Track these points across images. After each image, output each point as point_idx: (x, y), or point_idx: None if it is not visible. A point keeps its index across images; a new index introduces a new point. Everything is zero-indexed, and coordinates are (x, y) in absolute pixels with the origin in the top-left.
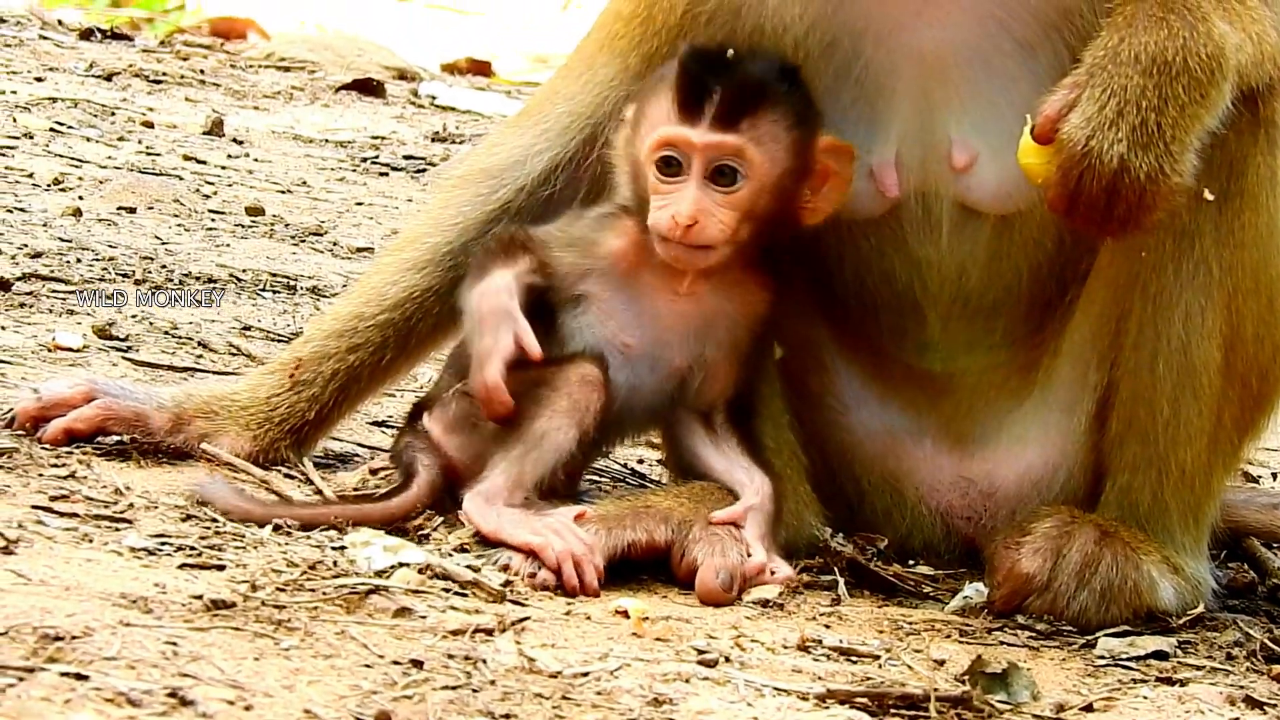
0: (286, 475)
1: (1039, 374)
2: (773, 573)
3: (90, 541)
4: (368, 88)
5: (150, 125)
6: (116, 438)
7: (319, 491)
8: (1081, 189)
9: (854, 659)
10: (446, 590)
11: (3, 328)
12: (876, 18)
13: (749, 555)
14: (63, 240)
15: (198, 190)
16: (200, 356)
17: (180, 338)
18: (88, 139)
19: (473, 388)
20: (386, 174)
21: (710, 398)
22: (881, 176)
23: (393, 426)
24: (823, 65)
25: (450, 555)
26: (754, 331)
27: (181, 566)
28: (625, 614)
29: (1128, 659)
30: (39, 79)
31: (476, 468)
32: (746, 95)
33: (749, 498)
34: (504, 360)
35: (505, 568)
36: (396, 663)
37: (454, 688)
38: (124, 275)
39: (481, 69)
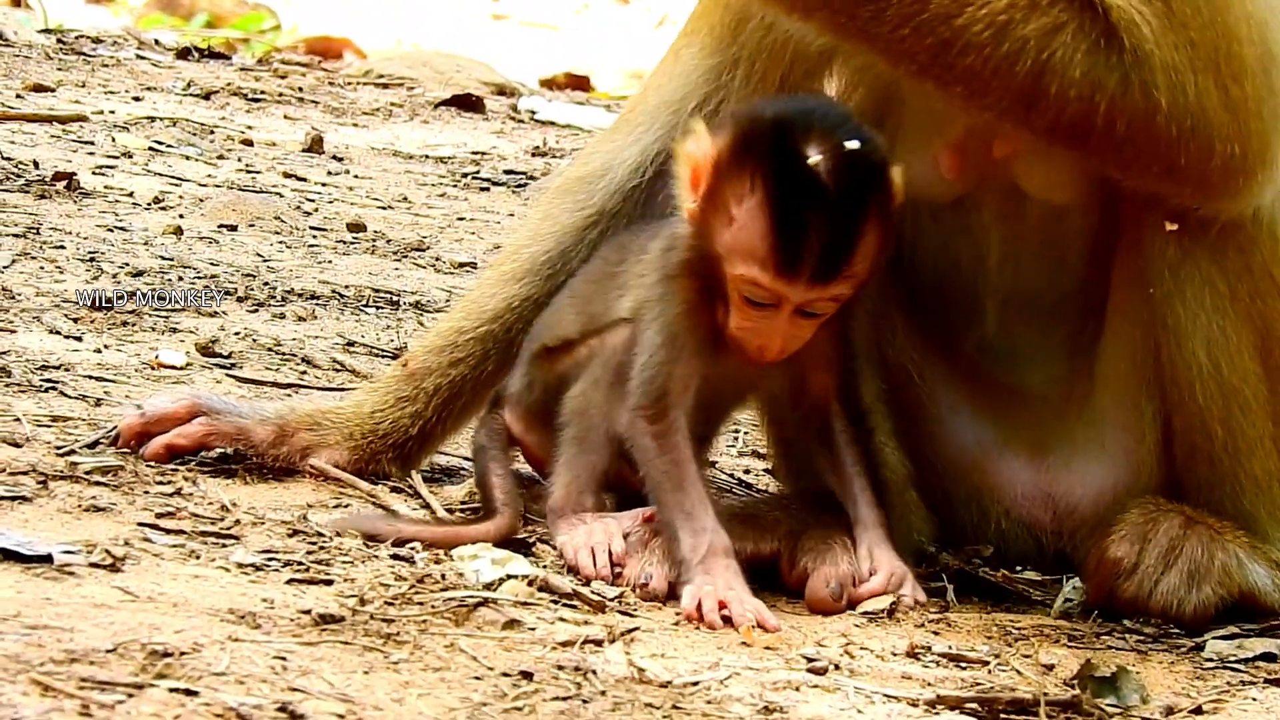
0: (394, 489)
1: (1100, 396)
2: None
3: (197, 558)
4: (466, 103)
5: (249, 143)
6: (221, 452)
7: (427, 505)
8: None
9: (963, 665)
10: (555, 602)
11: (106, 346)
12: None
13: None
14: (164, 259)
15: (298, 207)
16: (304, 373)
17: (284, 354)
18: (187, 157)
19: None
20: (487, 189)
21: (810, 400)
22: (945, 162)
23: None
24: None
25: (549, 567)
26: (840, 338)
27: (289, 582)
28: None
29: (1236, 661)
30: (137, 98)
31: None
32: (848, 239)
33: (867, 537)
34: None
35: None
36: (506, 674)
37: (564, 699)
38: (226, 293)
39: (580, 84)
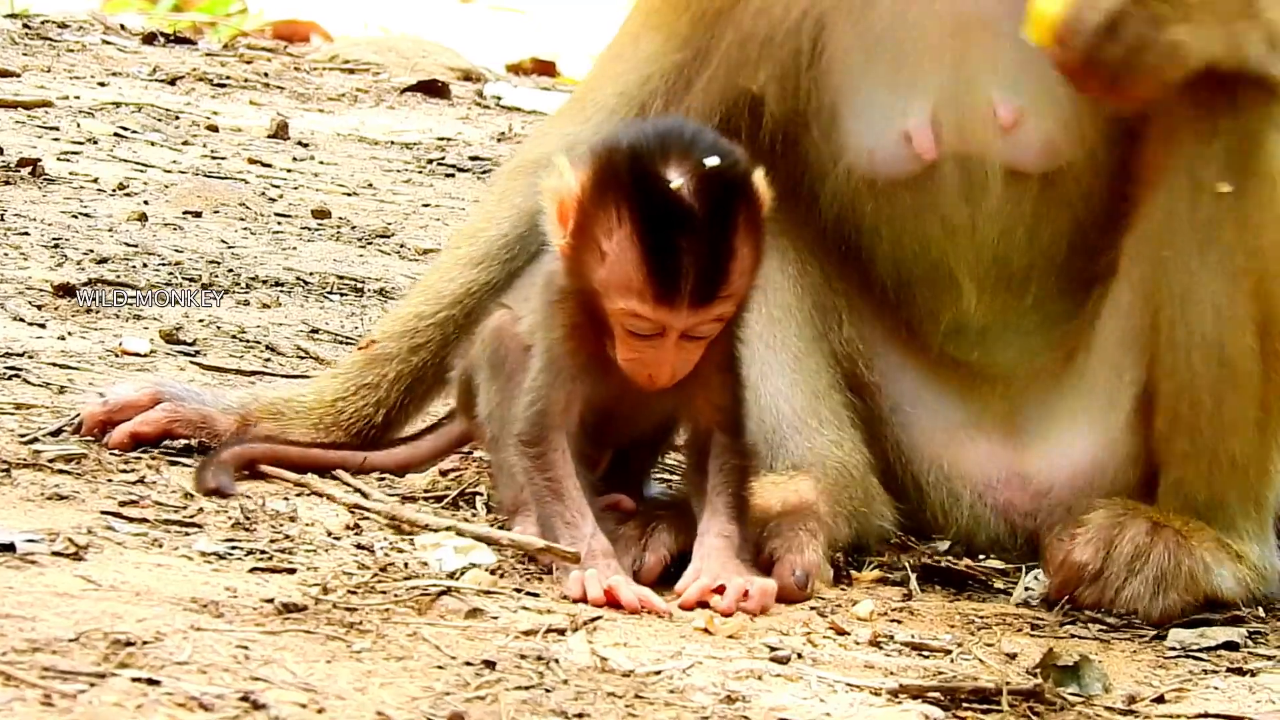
0: (349, 479)
1: (1078, 369)
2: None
3: (160, 546)
4: (432, 89)
5: (215, 129)
6: (184, 441)
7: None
8: (1086, 17)
9: (926, 654)
10: (518, 591)
11: (70, 334)
12: None
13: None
14: (128, 245)
15: (263, 193)
16: (268, 360)
17: (248, 341)
18: (152, 143)
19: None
20: (453, 175)
21: (704, 418)
22: (918, 139)
23: None
24: (851, 27)
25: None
26: (731, 338)
27: (252, 570)
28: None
29: (1198, 650)
30: (102, 84)
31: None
32: (721, 260)
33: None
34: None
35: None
36: (469, 664)
37: (527, 688)
38: (190, 279)
39: (546, 69)
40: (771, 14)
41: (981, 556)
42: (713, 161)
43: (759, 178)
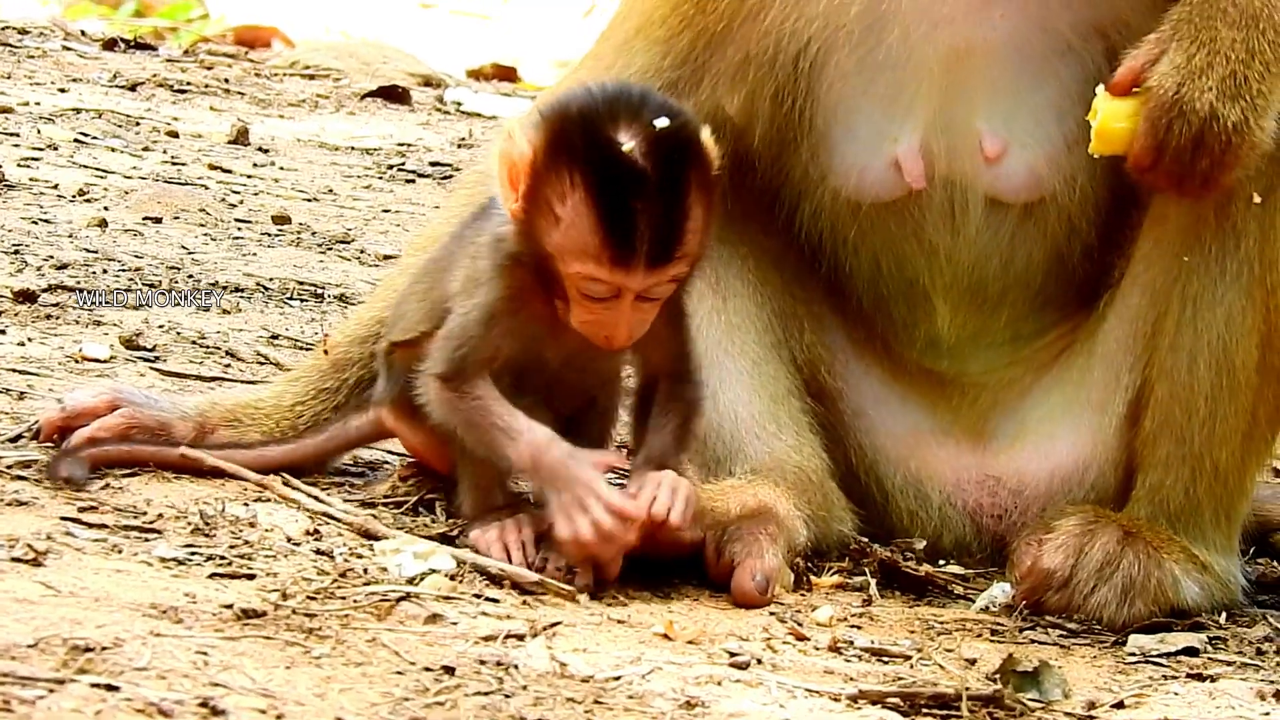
0: (308, 485)
1: (1066, 373)
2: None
3: (119, 552)
4: (393, 95)
5: (175, 135)
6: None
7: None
8: (1170, 138)
9: (885, 659)
10: (478, 596)
11: (30, 339)
12: (911, 8)
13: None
14: (89, 251)
15: (224, 199)
16: (228, 366)
17: (208, 347)
18: (112, 149)
19: (585, 537)
20: (413, 181)
21: (652, 369)
22: (907, 166)
23: None
24: (851, 53)
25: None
26: (675, 306)
27: (211, 576)
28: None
29: (1158, 656)
30: (63, 90)
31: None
32: (674, 220)
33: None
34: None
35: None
36: (428, 669)
37: (486, 693)
38: (150, 285)
39: (507, 74)
40: (776, 37)
41: (942, 562)
42: (662, 123)
43: (707, 137)
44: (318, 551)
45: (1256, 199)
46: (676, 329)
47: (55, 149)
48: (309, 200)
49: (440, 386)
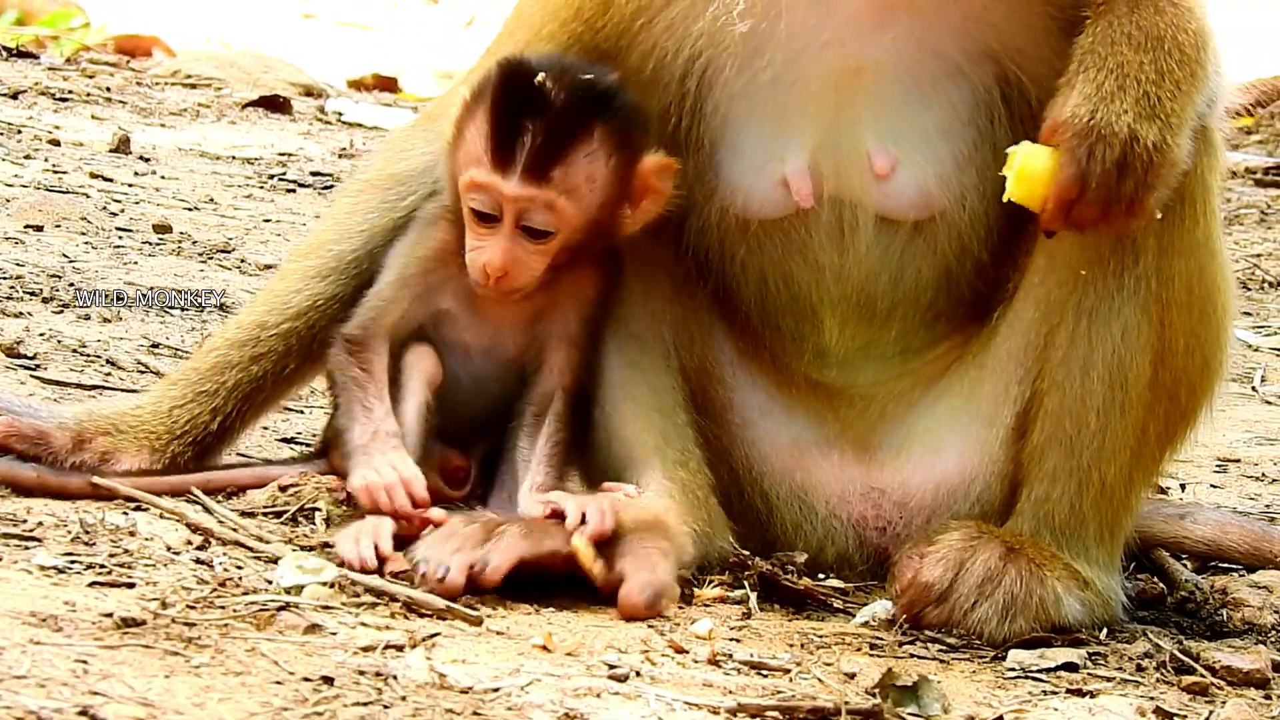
0: (191, 501)
1: (955, 385)
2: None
3: None
4: (274, 104)
5: (56, 143)
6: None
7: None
8: (1093, 165)
9: (764, 673)
10: (357, 607)
11: None
12: (800, 29)
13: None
14: None
15: (105, 208)
16: (109, 374)
17: (88, 355)
18: None
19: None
20: (294, 190)
21: (549, 388)
22: (795, 184)
23: (302, 443)
24: (738, 73)
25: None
26: (586, 318)
27: (91, 584)
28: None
29: (1038, 671)
30: None
31: None
32: (560, 140)
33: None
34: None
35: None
36: (307, 679)
37: (365, 704)
38: (31, 293)
39: (387, 85)
40: (661, 55)
41: (822, 576)
42: (590, 74)
43: (642, 117)
44: (198, 561)
45: (1156, 214)
46: (574, 351)
47: None
48: (190, 209)
49: (342, 344)
